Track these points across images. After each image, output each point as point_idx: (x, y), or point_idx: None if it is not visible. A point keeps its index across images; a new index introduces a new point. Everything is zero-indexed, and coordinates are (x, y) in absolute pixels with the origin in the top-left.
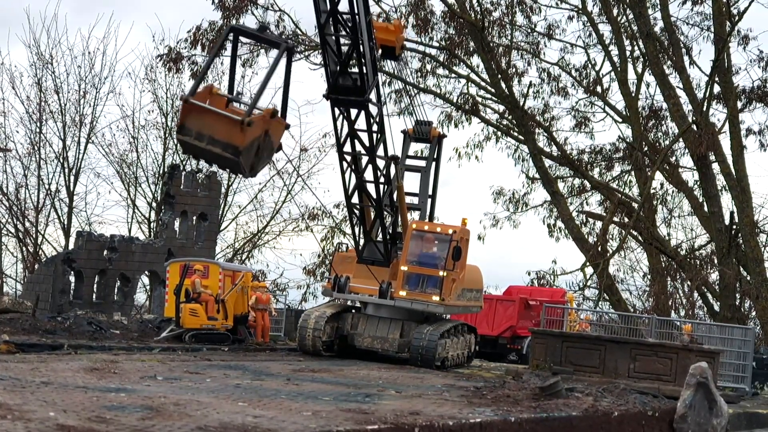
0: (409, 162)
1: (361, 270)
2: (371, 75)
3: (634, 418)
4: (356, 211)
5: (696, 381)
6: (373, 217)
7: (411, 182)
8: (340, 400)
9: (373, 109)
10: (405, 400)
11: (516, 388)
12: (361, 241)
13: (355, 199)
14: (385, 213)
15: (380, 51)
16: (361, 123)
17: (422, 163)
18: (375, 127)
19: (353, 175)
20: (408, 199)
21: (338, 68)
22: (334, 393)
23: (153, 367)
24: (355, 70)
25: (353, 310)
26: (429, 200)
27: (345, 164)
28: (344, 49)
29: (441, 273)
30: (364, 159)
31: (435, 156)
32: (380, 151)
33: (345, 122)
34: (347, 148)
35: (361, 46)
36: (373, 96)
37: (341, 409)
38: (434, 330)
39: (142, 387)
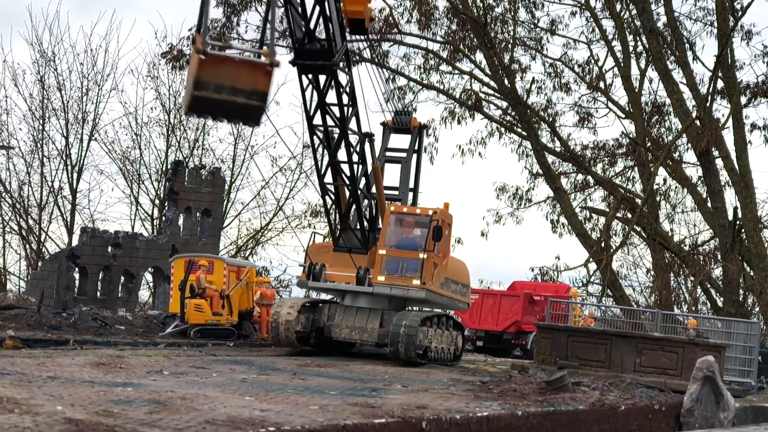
0: (389, 154)
1: (338, 258)
2: (339, 38)
3: (640, 411)
4: (330, 193)
5: (703, 375)
6: (348, 198)
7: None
8: (347, 395)
9: (343, 78)
10: (411, 394)
11: (522, 382)
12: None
13: (328, 179)
14: (361, 195)
15: (348, 27)
16: (333, 98)
17: (403, 155)
18: (345, 99)
19: (326, 152)
20: (389, 193)
21: (304, 33)
22: (341, 387)
23: (159, 362)
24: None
25: (330, 302)
26: (411, 193)
27: (317, 140)
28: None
29: (421, 255)
30: (337, 135)
31: (416, 147)
32: (354, 127)
33: (314, 92)
34: (317, 120)
35: (326, 5)
36: (342, 64)
37: (348, 403)
38: (415, 315)
39: (148, 381)
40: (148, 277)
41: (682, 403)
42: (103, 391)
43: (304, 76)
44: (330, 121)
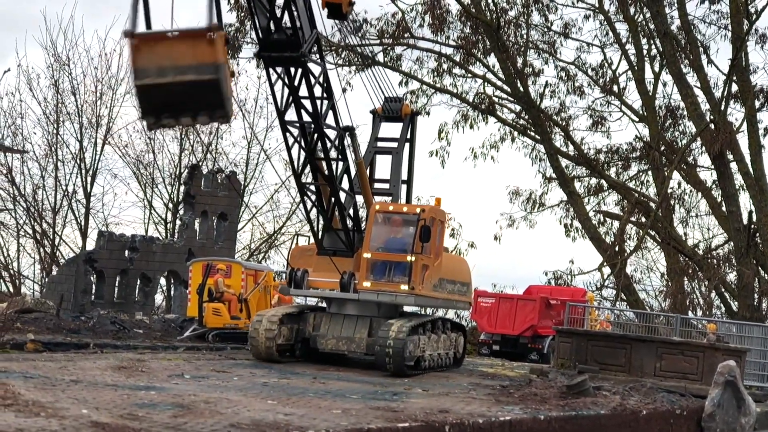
0: (380, 144)
1: (322, 262)
2: (307, 26)
3: (662, 416)
4: (309, 193)
5: (724, 379)
6: (329, 198)
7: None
8: (368, 398)
9: (315, 69)
10: (433, 398)
11: (543, 387)
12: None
13: (305, 178)
14: (343, 194)
15: (326, 10)
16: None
17: (394, 145)
18: (318, 91)
19: (302, 150)
20: (379, 186)
21: (269, 21)
22: (362, 391)
23: (179, 366)
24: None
25: (316, 309)
26: (404, 186)
27: (290, 138)
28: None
29: (409, 258)
30: (312, 131)
31: (408, 136)
32: (332, 121)
33: (285, 87)
34: (290, 116)
35: None
36: (312, 55)
37: (370, 407)
38: (404, 324)
39: (170, 385)
40: (162, 281)
41: (703, 407)
42: (126, 394)
43: (271, 70)
44: (306, 117)
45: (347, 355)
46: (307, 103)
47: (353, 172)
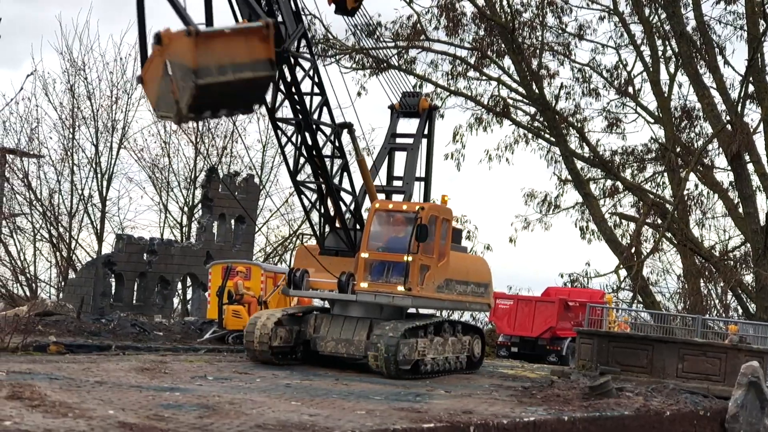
0: (399, 141)
1: (323, 262)
2: (291, 21)
3: (685, 417)
4: (306, 192)
5: (748, 380)
6: (327, 196)
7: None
8: (392, 399)
9: (304, 64)
10: (455, 399)
11: (565, 388)
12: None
13: (303, 177)
14: (341, 192)
15: (333, 5)
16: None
17: (410, 141)
18: (306, 87)
19: (297, 148)
20: (395, 183)
21: (249, 15)
22: (385, 392)
23: (202, 368)
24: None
25: (317, 310)
26: (422, 183)
27: (282, 135)
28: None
29: (406, 258)
30: (304, 128)
31: (426, 131)
32: (326, 118)
33: (273, 84)
34: (282, 113)
35: None
36: (301, 50)
37: (394, 408)
38: (398, 326)
39: (194, 386)
40: (179, 283)
41: (726, 409)
42: (151, 395)
43: None
44: (301, 115)
45: (345, 358)
46: (302, 100)
47: (356, 170)
